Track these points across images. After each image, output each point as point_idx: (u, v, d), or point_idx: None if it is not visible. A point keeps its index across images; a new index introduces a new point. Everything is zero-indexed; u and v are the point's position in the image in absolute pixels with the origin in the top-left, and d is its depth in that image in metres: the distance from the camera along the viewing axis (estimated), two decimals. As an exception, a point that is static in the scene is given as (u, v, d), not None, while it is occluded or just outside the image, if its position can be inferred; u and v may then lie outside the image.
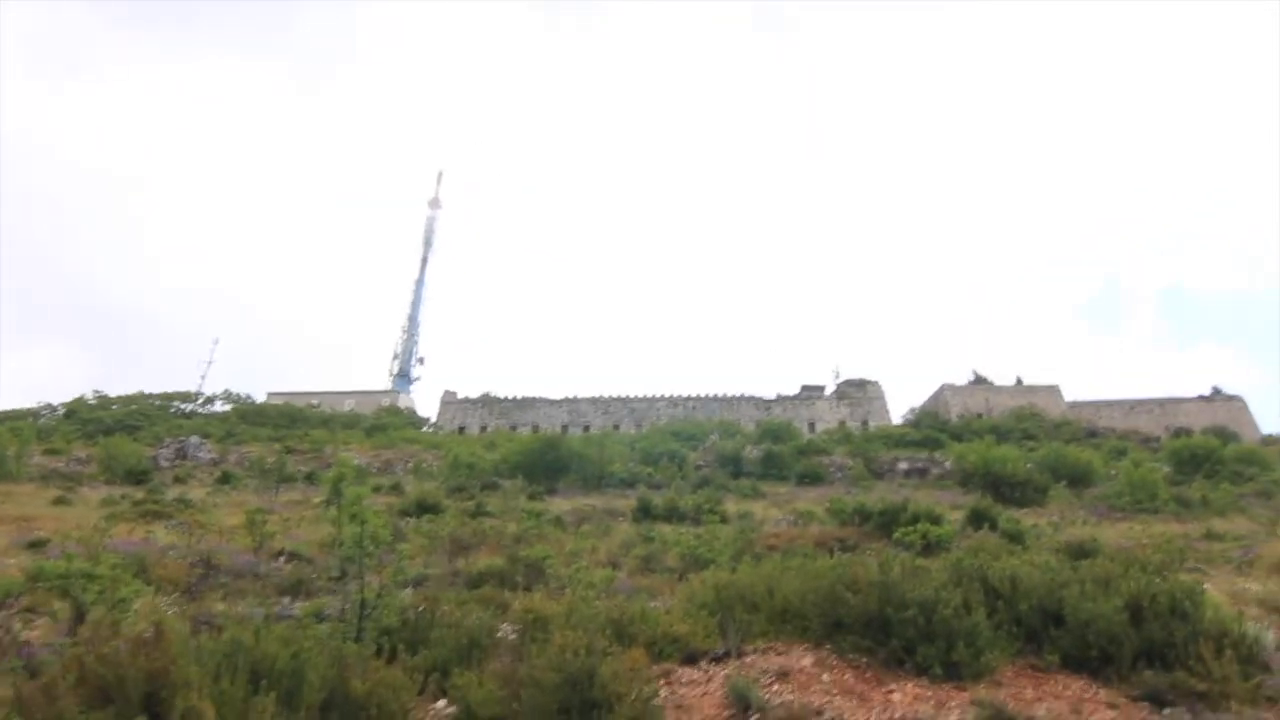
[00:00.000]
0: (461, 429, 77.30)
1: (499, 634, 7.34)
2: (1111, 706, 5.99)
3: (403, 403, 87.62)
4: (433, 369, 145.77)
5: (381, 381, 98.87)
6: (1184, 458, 38.54)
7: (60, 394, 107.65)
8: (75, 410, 68.22)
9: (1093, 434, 61.92)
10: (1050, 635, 6.84)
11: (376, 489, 29.54)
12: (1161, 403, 74.84)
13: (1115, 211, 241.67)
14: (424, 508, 22.78)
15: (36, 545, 13.95)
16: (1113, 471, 35.65)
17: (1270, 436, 63.77)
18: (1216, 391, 75.71)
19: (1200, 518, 23.15)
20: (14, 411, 66.11)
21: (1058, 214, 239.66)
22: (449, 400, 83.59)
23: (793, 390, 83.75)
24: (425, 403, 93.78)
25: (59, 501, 24.12)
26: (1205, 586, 8.21)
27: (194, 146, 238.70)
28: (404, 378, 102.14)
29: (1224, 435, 52.21)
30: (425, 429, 74.75)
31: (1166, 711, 5.92)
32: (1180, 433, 54.95)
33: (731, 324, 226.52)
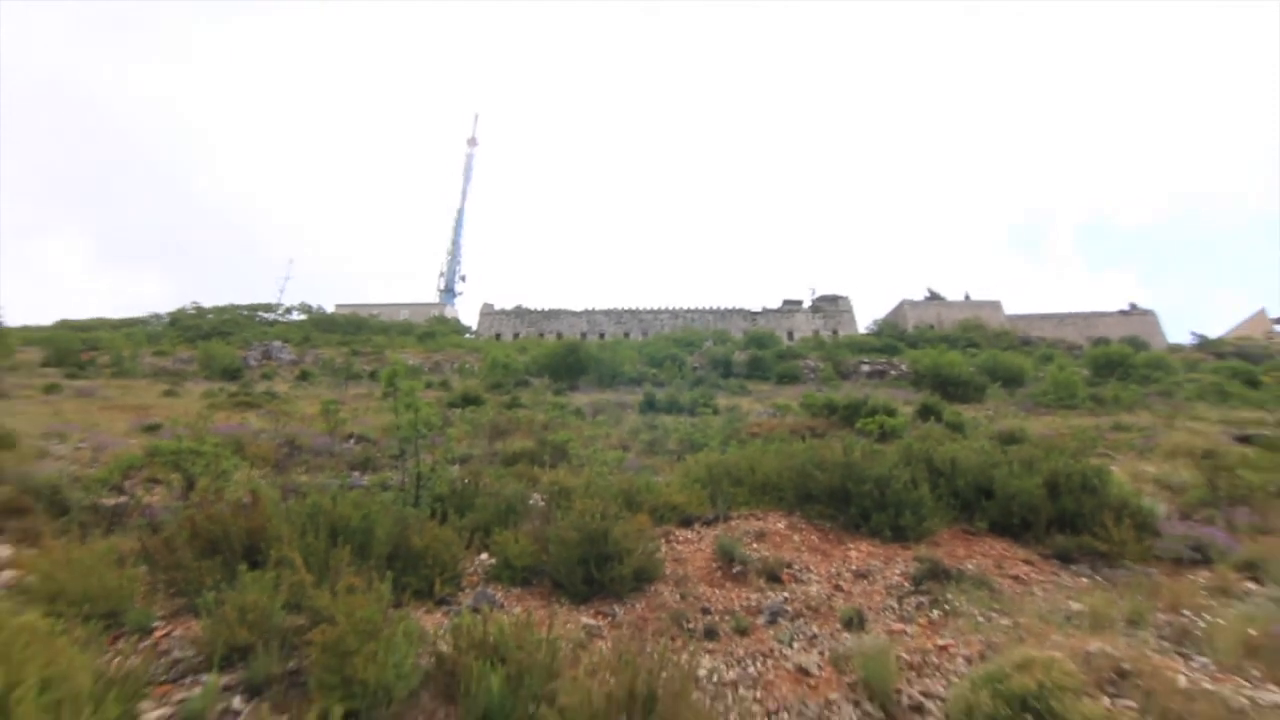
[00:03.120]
0: (498, 335, 77.30)
1: (530, 501, 7.51)
2: (1027, 562, 6.15)
3: (448, 313, 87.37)
4: (473, 284, 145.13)
5: (430, 295, 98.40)
6: (1101, 363, 38.47)
7: (165, 305, 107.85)
8: (178, 319, 68.34)
9: (1026, 342, 61.66)
10: (981, 506, 6.98)
11: (428, 385, 29.80)
12: (1086, 316, 74.15)
13: (1041, 157, 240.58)
14: (467, 400, 23.06)
15: (152, 428, 14.21)
16: (1041, 374, 35.64)
17: (1175, 345, 63.42)
18: (1133, 307, 74.92)
19: (1112, 413, 23.24)
20: (128, 320, 66.47)
21: (998, 158, 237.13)
22: (487, 311, 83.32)
23: (775, 304, 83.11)
24: (467, 313, 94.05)
25: (168, 394, 24.46)
26: (1111, 468, 8.32)
27: (261, 98, 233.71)
28: (449, 292, 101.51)
29: (1136, 344, 51.91)
30: (468, 335, 74.72)
31: (1072, 567, 6.08)
32: (1100, 342, 54.63)
33: (726, 246, 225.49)
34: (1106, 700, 3.47)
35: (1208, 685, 3.72)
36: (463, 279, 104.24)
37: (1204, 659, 4.18)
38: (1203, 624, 4.60)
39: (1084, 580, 5.76)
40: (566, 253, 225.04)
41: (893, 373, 41.82)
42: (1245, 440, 14.59)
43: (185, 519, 5.14)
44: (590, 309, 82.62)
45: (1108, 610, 4.71)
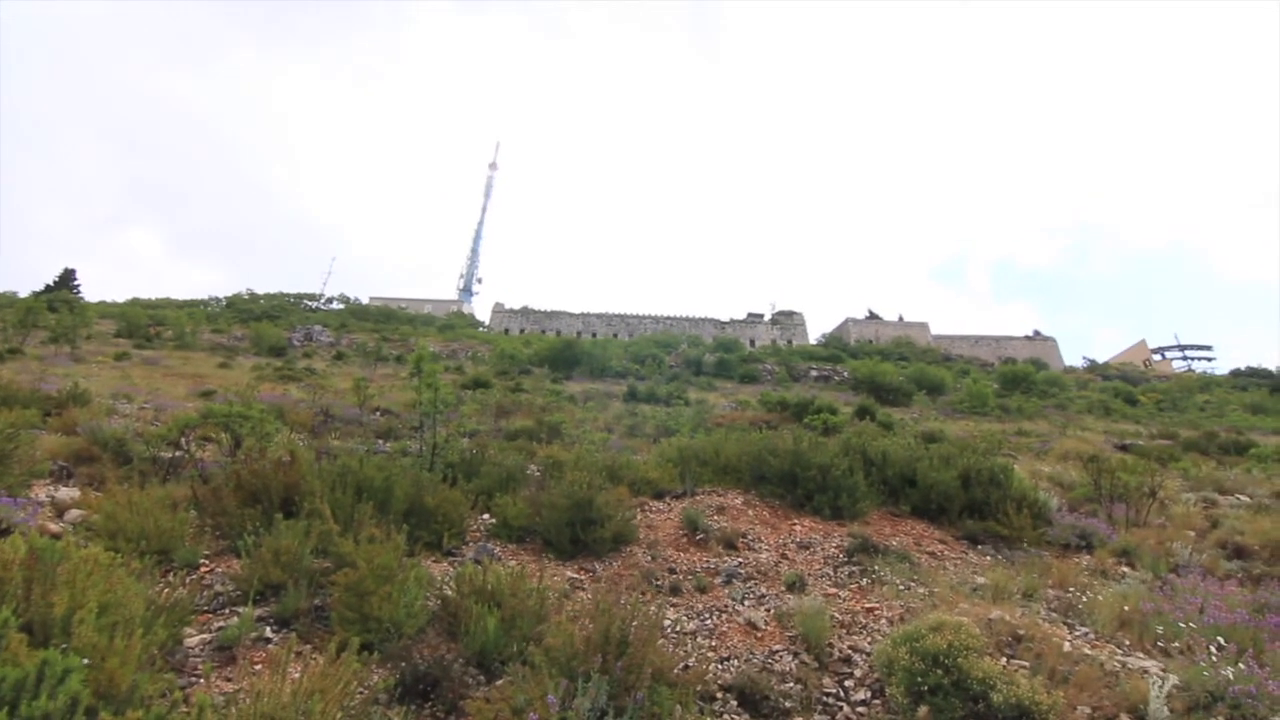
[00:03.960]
0: (506, 330, 76.59)
1: (528, 471, 7.47)
2: (942, 542, 6.19)
3: (466, 310, 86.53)
4: (487, 285, 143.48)
5: (451, 293, 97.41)
6: (1009, 379, 38.71)
7: (223, 290, 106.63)
8: (234, 302, 67.13)
9: (947, 358, 62.05)
10: (905, 493, 7.02)
11: (445, 369, 29.51)
12: (997, 339, 74.86)
13: (962, 202, 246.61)
14: (478, 384, 22.92)
15: (207, 394, 14.00)
16: (958, 385, 35.92)
17: (1070, 367, 64.29)
18: (1036, 333, 75.80)
19: (1015, 420, 23.53)
20: (191, 301, 65.37)
21: (930, 201, 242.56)
22: (498, 310, 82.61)
23: (741, 316, 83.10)
24: (482, 310, 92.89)
25: (222, 365, 24.09)
26: (1014, 466, 8.39)
27: (308, 117, 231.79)
28: (467, 292, 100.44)
29: (1038, 364, 52.41)
30: (481, 329, 73.93)
31: (979, 547, 6.13)
32: (1008, 361, 55.11)
33: (702, 263, 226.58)
34: (1004, 659, 3.49)
35: (1087, 650, 3.75)
36: (479, 281, 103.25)
37: (1085, 629, 4.21)
38: (1085, 599, 4.65)
39: (988, 559, 5.81)
40: (567, 261, 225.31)
41: (836, 378, 41.92)
42: (1124, 448, 14.81)
43: (232, 473, 5.05)
44: (585, 311, 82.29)
45: (1007, 584, 4.75)
